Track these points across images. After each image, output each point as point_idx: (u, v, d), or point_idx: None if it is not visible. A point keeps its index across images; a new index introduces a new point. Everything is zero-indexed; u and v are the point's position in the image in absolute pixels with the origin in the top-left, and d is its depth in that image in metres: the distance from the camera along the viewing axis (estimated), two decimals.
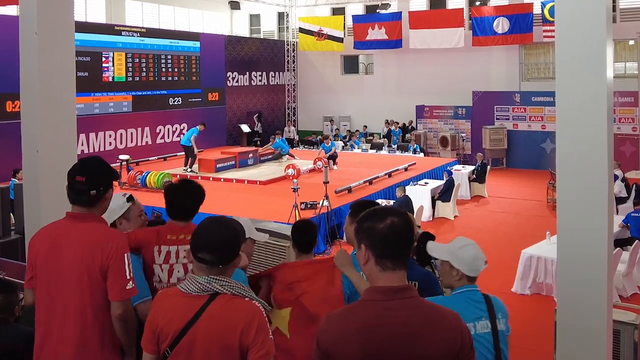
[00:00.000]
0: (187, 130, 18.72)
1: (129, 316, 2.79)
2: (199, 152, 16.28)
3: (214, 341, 2.25)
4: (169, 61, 19.69)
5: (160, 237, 3.17)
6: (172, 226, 3.21)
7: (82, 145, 16.54)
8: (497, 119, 20.60)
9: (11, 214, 8.89)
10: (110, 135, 17.77)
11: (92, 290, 2.73)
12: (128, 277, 2.74)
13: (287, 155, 18.12)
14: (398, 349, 1.95)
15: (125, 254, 2.76)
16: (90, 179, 2.80)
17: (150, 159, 18.25)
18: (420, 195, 13.39)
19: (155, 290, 3.06)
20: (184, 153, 16.45)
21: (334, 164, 16.62)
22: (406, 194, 12.06)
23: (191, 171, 15.72)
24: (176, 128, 20.03)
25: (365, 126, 23.73)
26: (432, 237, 3.95)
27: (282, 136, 20.21)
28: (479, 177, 15.78)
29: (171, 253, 3.17)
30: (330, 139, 17.98)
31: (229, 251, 2.34)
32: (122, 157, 14.63)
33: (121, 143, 18.08)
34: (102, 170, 2.89)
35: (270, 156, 17.89)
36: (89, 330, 2.73)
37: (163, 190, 3.39)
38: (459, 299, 2.88)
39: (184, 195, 3.25)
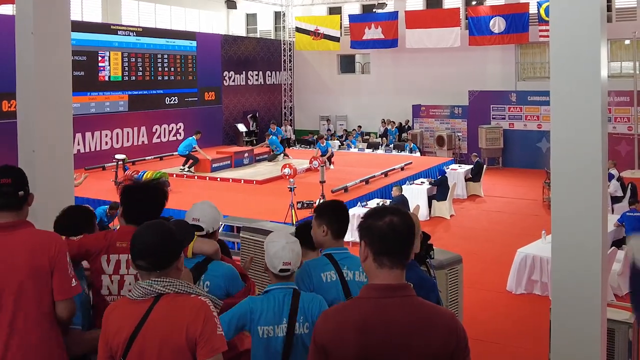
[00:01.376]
0: (183, 130, 18.66)
1: (74, 313, 2.72)
2: (195, 152, 16.23)
3: (163, 342, 2.22)
4: (165, 60, 19.65)
5: (110, 245, 2.91)
6: (124, 231, 2.92)
7: (79, 144, 16.51)
8: (493, 118, 20.63)
9: None
10: (106, 135, 17.74)
11: (38, 300, 2.61)
12: (71, 275, 2.68)
13: (282, 155, 18.12)
14: (394, 347, 1.97)
15: (67, 252, 2.70)
16: (16, 180, 2.72)
17: (146, 158, 18.20)
18: (416, 194, 13.41)
19: (106, 303, 2.82)
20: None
21: (330, 164, 16.62)
22: (402, 193, 12.07)
23: (188, 171, 15.70)
24: (172, 127, 20.00)
25: (360, 126, 23.72)
26: (428, 237, 3.94)
27: (277, 127, 20.14)
28: (474, 176, 15.82)
29: (121, 262, 2.89)
30: (325, 139, 17.96)
31: (162, 255, 2.31)
32: (118, 156, 14.58)
33: (117, 142, 18.06)
34: (23, 173, 2.80)
35: (266, 156, 17.89)
36: (33, 345, 2.59)
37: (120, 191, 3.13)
38: (266, 298, 2.86)
39: (141, 198, 3.01)
